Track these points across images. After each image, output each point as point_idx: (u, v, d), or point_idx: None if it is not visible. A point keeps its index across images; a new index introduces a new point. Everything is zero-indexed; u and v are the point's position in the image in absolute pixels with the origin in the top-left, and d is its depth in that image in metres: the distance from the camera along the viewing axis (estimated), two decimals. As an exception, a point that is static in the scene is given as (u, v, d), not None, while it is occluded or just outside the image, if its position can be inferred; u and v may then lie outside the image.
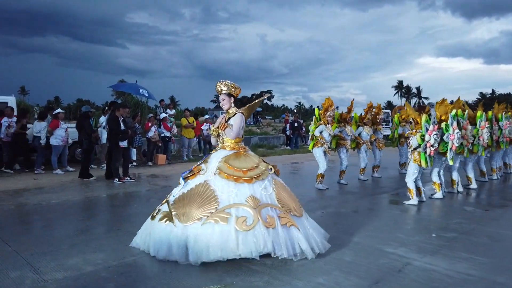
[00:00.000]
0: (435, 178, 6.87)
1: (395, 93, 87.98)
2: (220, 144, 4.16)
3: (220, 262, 3.46)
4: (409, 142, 6.29)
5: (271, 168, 4.03)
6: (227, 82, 4.17)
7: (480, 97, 70.52)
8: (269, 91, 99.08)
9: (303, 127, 19.18)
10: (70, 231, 4.71)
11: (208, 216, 3.50)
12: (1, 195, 6.86)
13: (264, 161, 4.10)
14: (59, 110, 9.64)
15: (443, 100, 6.85)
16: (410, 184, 6.41)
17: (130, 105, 11.14)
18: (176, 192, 3.93)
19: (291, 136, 17.86)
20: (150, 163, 11.21)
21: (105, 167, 10.02)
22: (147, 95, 10.91)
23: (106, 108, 10.86)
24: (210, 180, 3.74)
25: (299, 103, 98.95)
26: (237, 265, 3.49)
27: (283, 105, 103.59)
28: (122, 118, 8.29)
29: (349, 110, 8.67)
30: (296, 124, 17.78)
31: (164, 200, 3.99)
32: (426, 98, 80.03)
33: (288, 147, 18.04)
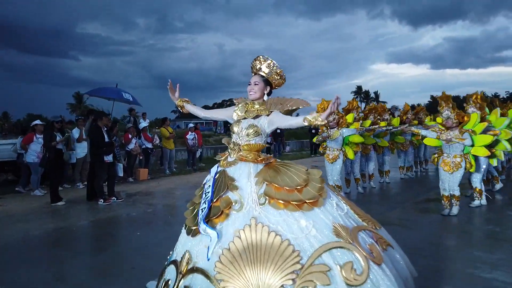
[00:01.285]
0: (479, 184, 6.14)
1: (356, 98, 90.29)
2: (232, 153, 2.72)
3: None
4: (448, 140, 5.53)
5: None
6: (272, 62, 2.80)
7: (431, 100, 73.90)
8: (230, 100, 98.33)
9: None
10: (79, 270, 3.57)
11: (295, 280, 2.10)
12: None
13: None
14: (37, 121, 8.18)
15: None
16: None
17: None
18: (206, 251, 2.31)
19: (273, 143, 17.09)
20: (131, 179, 9.92)
21: (81, 186, 8.73)
22: (131, 99, 9.68)
23: (80, 118, 9.51)
24: (261, 217, 2.32)
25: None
26: None
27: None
28: (105, 129, 7.09)
29: (348, 111, 7.97)
30: (278, 131, 17.03)
31: (190, 268, 2.32)
32: (384, 102, 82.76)
33: (268, 154, 17.23)
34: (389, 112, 10.19)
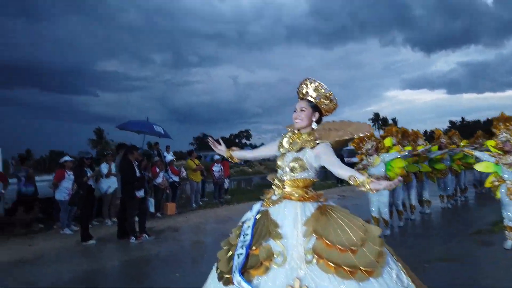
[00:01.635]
0: None
1: (373, 125, 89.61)
2: (277, 190, 2.40)
3: None
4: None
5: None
6: (320, 85, 2.48)
7: (450, 125, 72.63)
8: (246, 131, 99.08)
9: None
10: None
11: None
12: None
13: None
14: (66, 158, 8.13)
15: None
16: None
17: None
18: None
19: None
20: (159, 214, 9.67)
21: (109, 223, 8.53)
22: (162, 132, 9.64)
23: (108, 153, 9.46)
24: (307, 279, 1.99)
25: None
26: None
27: (262, 143, 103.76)
28: (136, 163, 6.94)
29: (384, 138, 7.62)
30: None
31: None
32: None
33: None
34: (424, 138, 9.79)
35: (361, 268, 1.97)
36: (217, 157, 12.30)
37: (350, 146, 9.83)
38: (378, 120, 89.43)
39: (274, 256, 2.08)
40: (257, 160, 3.36)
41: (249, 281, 2.03)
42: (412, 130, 8.72)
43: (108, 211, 8.77)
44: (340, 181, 16.48)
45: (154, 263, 5.61)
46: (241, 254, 2.15)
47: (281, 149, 2.51)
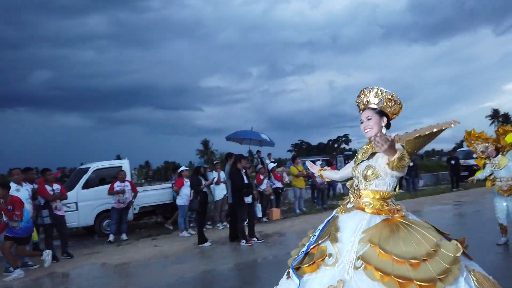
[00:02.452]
0: None
1: (491, 123, 79.58)
2: (352, 199, 2.38)
3: None
4: None
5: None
6: (379, 90, 2.39)
7: None
8: (345, 136, 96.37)
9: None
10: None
11: None
12: (127, 269, 6.08)
13: (444, 233, 2.18)
14: (183, 168, 9.06)
15: None
16: None
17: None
18: None
19: (406, 177, 15.74)
20: (265, 219, 10.04)
21: (220, 227, 9.15)
22: (268, 139, 10.16)
23: (217, 162, 10.17)
24: (351, 283, 1.96)
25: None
26: None
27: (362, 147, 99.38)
28: (244, 171, 7.34)
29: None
30: (411, 164, 15.67)
31: None
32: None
33: (401, 191, 15.88)
34: None
35: (416, 281, 1.83)
36: (319, 162, 12.29)
37: (466, 147, 8.87)
38: (498, 117, 79.23)
39: (327, 257, 2.12)
40: (343, 180, 3.29)
41: (300, 276, 2.15)
42: None
43: (219, 215, 9.41)
44: (456, 186, 15.06)
45: (264, 266, 5.84)
46: (303, 251, 2.27)
47: (356, 160, 2.47)
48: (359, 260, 2.00)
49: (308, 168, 3.20)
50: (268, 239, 7.58)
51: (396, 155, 1.99)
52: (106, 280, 5.57)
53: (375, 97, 2.40)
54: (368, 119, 2.38)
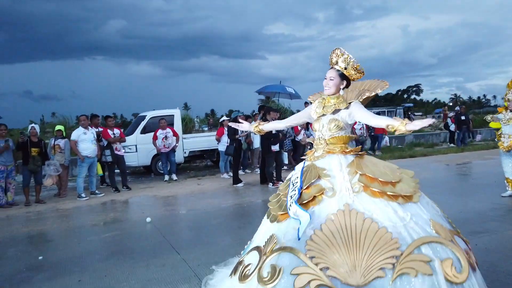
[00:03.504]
0: None
1: None
2: (318, 149, 2.70)
3: None
4: None
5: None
6: (348, 57, 2.67)
7: None
8: (416, 86, 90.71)
9: (471, 121, 16.36)
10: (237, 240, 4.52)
11: (395, 265, 2.02)
12: (171, 199, 7.39)
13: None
14: (224, 118, 10.08)
15: None
16: None
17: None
18: (295, 232, 2.26)
19: (457, 131, 15.35)
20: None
21: (258, 171, 10.19)
22: (294, 92, 10.72)
23: (255, 113, 11.01)
24: (355, 205, 2.27)
25: (455, 95, 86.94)
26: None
27: (435, 99, 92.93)
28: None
29: None
30: (463, 118, 15.17)
31: (276, 248, 2.26)
32: None
33: (453, 145, 15.56)
34: None
35: (402, 194, 2.32)
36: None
37: None
38: None
39: (325, 190, 2.37)
40: (289, 127, 3.62)
41: (306, 210, 2.31)
42: None
43: (258, 161, 10.43)
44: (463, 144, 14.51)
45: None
46: (294, 194, 2.44)
47: (315, 114, 2.80)
48: (356, 185, 2.36)
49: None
50: (295, 183, 8.46)
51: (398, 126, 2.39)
52: (155, 206, 6.92)
53: (343, 62, 2.68)
54: (331, 79, 2.71)
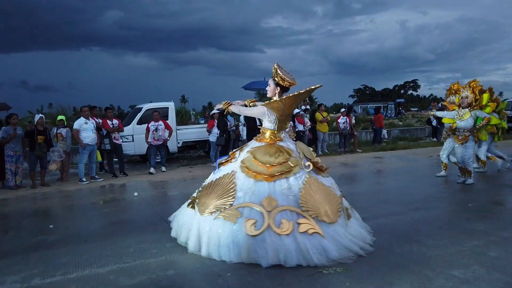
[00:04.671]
0: None
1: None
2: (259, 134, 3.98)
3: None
4: None
5: (309, 165, 3.60)
6: (275, 70, 3.80)
7: None
8: (414, 81, 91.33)
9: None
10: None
11: (221, 211, 3.37)
12: (164, 184, 8.19)
13: (304, 157, 3.71)
14: (214, 111, 10.83)
15: None
16: None
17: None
18: (209, 178, 3.94)
19: (438, 126, 16.14)
20: (286, 157, 11.68)
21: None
22: None
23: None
24: (237, 172, 3.58)
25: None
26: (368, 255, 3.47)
27: (431, 94, 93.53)
28: (258, 115, 8.90)
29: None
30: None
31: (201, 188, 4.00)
32: None
33: (435, 139, 16.38)
34: None
35: (274, 174, 3.44)
36: (342, 110, 13.41)
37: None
38: None
39: (234, 157, 3.86)
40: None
41: (219, 166, 3.92)
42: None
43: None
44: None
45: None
46: (223, 157, 4.13)
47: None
48: (240, 162, 3.65)
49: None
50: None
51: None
52: (149, 189, 7.71)
53: (274, 73, 3.84)
54: (268, 86, 3.92)
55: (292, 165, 3.51)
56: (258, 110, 3.88)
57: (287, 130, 4.13)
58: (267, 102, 3.82)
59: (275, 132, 3.83)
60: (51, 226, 4.95)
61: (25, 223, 5.33)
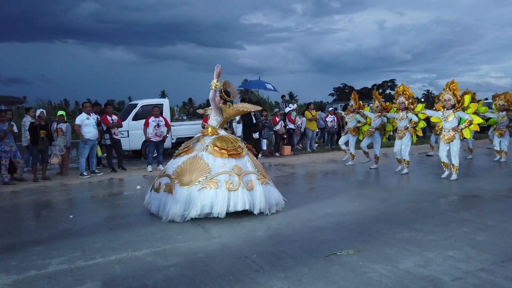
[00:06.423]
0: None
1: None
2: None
3: (353, 231, 3.95)
4: None
5: (247, 147, 5.30)
6: (221, 89, 5.27)
7: None
8: (391, 81, 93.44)
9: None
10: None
11: (202, 181, 4.65)
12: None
13: (244, 143, 5.32)
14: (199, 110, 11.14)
15: None
16: None
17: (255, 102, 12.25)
18: (172, 167, 5.02)
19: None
20: (277, 154, 12.15)
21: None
22: (272, 88, 11.92)
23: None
24: (203, 156, 4.89)
25: (427, 91, 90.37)
26: (366, 236, 3.93)
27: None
28: (253, 113, 9.28)
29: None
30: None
31: (162, 173, 5.24)
32: None
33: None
34: None
35: (234, 153, 4.94)
36: (330, 109, 13.99)
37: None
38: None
39: (193, 148, 5.08)
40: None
41: (175, 156, 5.24)
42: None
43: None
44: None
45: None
46: (181, 148, 5.31)
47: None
48: (207, 148, 4.95)
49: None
50: (276, 167, 9.70)
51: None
52: (147, 182, 7.98)
53: (220, 90, 5.31)
54: (216, 97, 5.28)
55: (243, 147, 5.14)
56: (210, 117, 5.51)
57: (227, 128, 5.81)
58: (227, 106, 5.33)
59: (216, 128, 5.28)
60: (71, 216, 5.21)
61: (44, 214, 5.57)
